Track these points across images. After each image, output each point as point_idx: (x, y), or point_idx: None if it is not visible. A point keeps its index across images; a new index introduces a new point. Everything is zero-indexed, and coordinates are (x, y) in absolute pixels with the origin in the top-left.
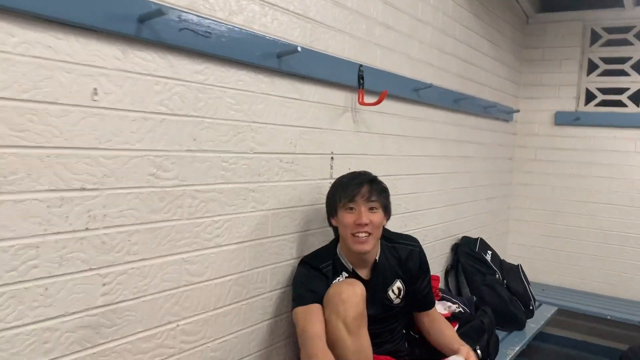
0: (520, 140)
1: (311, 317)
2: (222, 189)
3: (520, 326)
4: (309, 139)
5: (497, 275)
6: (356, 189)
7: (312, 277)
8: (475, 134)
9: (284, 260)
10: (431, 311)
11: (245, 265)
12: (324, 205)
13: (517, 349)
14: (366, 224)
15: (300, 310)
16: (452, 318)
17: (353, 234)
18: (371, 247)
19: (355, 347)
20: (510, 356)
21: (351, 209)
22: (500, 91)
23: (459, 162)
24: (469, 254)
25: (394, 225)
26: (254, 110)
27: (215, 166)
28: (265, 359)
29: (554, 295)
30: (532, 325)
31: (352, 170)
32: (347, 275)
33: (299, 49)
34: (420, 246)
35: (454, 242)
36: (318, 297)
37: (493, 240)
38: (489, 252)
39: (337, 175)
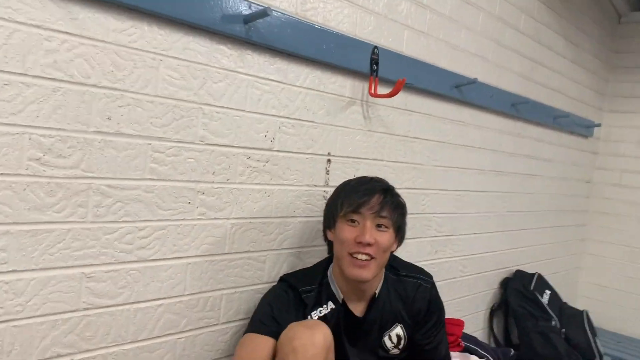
0: (601, 161)
1: (253, 353)
2: (151, 187)
3: None
4: (295, 133)
5: (554, 322)
6: (364, 197)
7: (284, 301)
8: (541, 148)
9: (247, 284)
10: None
11: (186, 288)
12: (314, 219)
13: None
14: (369, 244)
15: (247, 338)
16: None
17: (351, 254)
18: (371, 275)
19: None
20: None
21: (353, 221)
22: (578, 101)
23: (517, 180)
24: (520, 292)
25: (421, 250)
26: (209, 90)
27: (141, 156)
28: None
29: (631, 349)
30: None
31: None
32: (333, 307)
33: (274, 13)
34: (432, 282)
35: (504, 277)
36: (277, 330)
37: (557, 278)
38: (547, 292)
39: (334, 183)
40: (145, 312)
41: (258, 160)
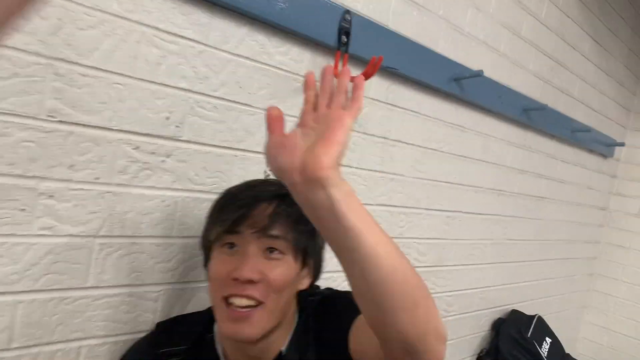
0: (621, 186)
1: None
2: None
3: None
4: (218, 119)
5: None
6: (243, 207)
7: None
8: (553, 166)
9: (126, 332)
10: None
11: (12, 338)
12: None
13: None
14: (251, 281)
15: None
16: None
17: (226, 299)
18: (258, 332)
19: None
20: None
21: (232, 245)
22: (601, 114)
23: (522, 202)
24: (514, 339)
25: None
26: (70, 39)
27: None
28: None
29: None
30: None
31: None
32: None
33: None
34: (330, 290)
35: (497, 317)
36: None
37: (560, 320)
38: (548, 340)
39: None
40: None
41: (152, 153)
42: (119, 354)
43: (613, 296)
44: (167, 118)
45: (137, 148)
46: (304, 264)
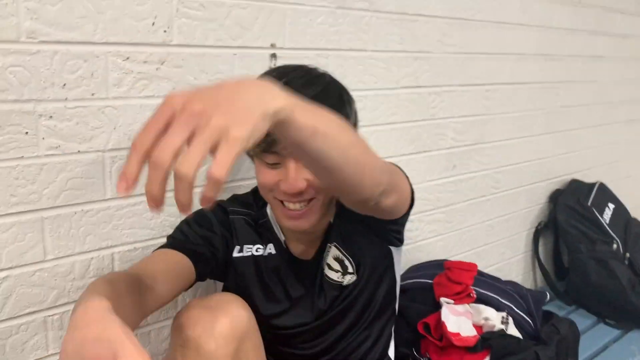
0: None
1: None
2: None
3: None
4: (208, 18)
5: (616, 245)
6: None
7: (206, 218)
8: (611, 19)
9: (154, 236)
10: None
11: (46, 251)
12: None
13: None
14: (300, 192)
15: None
16: (479, 346)
17: (282, 202)
18: (315, 221)
19: None
20: None
21: (275, 165)
22: None
23: (575, 65)
24: (572, 208)
25: (431, 167)
26: None
27: None
28: None
29: None
30: None
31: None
32: (273, 252)
33: None
34: None
35: (555, 189)
36: (192, 247)
37: (627, 185)
38: (610, 206)
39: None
40: None
41: (145, 62)
42: None
43: None
44: (153, 24)
45: (127, 59)
46: None
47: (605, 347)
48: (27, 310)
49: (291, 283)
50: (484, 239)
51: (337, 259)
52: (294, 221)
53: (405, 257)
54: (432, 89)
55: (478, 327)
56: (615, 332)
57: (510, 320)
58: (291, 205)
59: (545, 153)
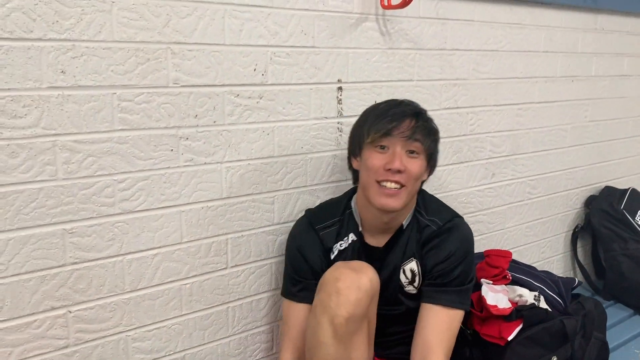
0: None
1: (287, 322)
2: (124, 138)
3: None
4: (292, 63)
5: None
6: (394, 121)
7: (309, 240)
8: (633, 42)
9: (255, 227)
10: (429, 306)
11: (182, 235)
12: (328, 153)
13: None
14: (400, 171)
15: (284, 302)
16: (514, 315)
17: (379, 182)
18: (401, 205)
19: (339, 357)
20: None
21: (383, 147)
22: None
23: (601, 84)
24: (605, 211)
25: (472, 175)
26: (176, 27)
27: (107, 107)
28: (230, 349)
29: None
30: None
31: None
32: (354, 238)
33: None
34: (453, 226)
35: (590, 195)
36: (304, 291)
37: None
38: None
39: (350, 113)
40: (141, 261)
41: (249, 97)
42: (254, 243)
43: None
44: (254, 69)
45: (237, 95)
46: (428, 161)
47: (638, 335)
48: (169, 279)
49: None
50: (523, 239)
51: (412, 272)
52: (387, 198)
53: None
54: (469, 109)
55: (513, 303)
56: None
57: (542, 298)
58: (388, 184)
59: (577, 163)
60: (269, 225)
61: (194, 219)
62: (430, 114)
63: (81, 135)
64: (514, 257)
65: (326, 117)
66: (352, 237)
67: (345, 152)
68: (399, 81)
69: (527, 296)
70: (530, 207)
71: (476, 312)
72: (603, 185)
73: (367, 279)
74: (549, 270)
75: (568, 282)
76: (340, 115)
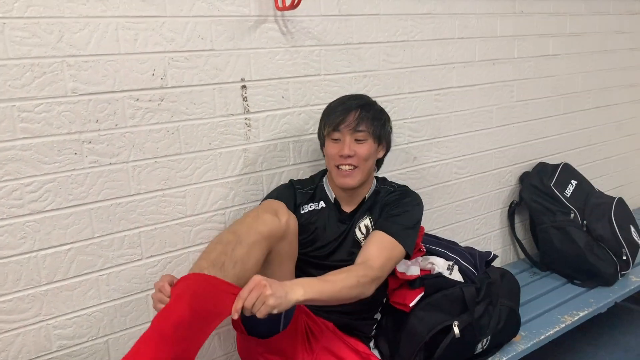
0: None
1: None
2: (27, 145)
3: (606, 281)
4: (191, 66)
5: (572, 215)
6: (340, 116)
7: (287, 191)
8: (561, 23)
9: (167, 220)
10: (376, 232)
11: (94, 231)
12: (239, 147)
13: (585, 314)
14: (350, 156)
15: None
16: (417, 283)
17: (337, 167)
18: (356, 182)
19: (236, 237)
20: (567, 323)
21: (336, 139)
22: None
23: (527, 65)
24: (535, 187)
25: (392, 160)
26: (70, 41)
27: (8, 119)
28: None
29: None
30: (634, 279)
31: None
32: (324, 205)
33: None
34: (407, 189)
35: (523, 172)
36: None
37: (608, 165)
38: (573, 182)
39: (257, 109)
40: (54, 256)
41: (150, 100)
42: (168, 235)
43: None
44: (153, 74)
45: (137, 100)
46: (378, 143)
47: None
48: (85, 271)
49: (331, 226)
50: (454, 217)
51: (365, 226)
52: (343, 178)
53: None
54: (383, 97)
55: (425, 271)
56: (581, 290)
57: (456, 268)
58: (343, 167)
59: (507, 142)
60: (182, 218)
61: (104, 215)
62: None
63: None
64: (446, 235)
65: (232, 114)
66: (322, 204)
67: (254, 145)
68: (306, 76)
69: (440, 266)
70: (459, 186)
71: (389, 287)
72: (537, 161)
73: (285, 219)
74: (488, 249)
75: (484, 255)
76: (247, 111)
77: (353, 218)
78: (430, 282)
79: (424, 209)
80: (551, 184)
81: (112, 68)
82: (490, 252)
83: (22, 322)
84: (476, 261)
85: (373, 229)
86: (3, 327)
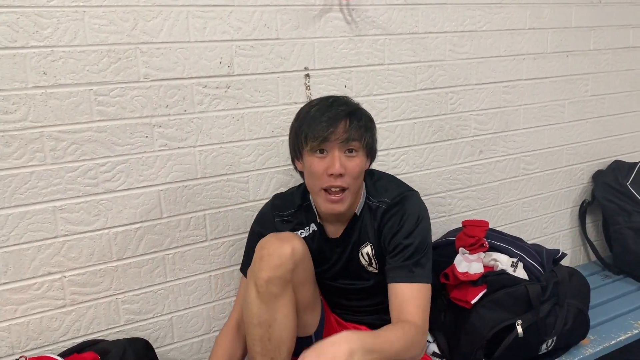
0: None
1: (239, 294)
2: (102, 127)
3: None
4: (256, 54)
5: None
6: (330, 126)
7: (260, 231)
8: (635, 12)
9: (231, 204)
10: (394, 286)
11: (162, 211)
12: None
13: None
14: (341, 175)
15: (241, 277)
16: (480, 281)
17: (325, 190)
18: (346, 207)
19: (263, 317)
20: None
21: (322, 151)
22: None
23: (604, 57)
24: (609, 185)
25: (456, 153)
26: (144, 29)
27: (85, 102)
28: (215, 312)
29: None
30: None
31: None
32: (315, 229)
33: None
34: (400, 200)
35: (597, 169)
36: None
37: None
38: None
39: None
40: (125, 234)
41: (217, 88)
42: (231, 218)
43: None
44: (220, 62)
45: (205, 86)
46: (368, 155)
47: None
48: (152, 250)
49: (327, 251)
50: (520, 214)
51: (367, 254)
52: (332, 205)
53: (441, 228)
54: (447, 89)
55: (488, 267)
56: None
57: (520, 265)
58: (333, 189)
59: (579, 138)
60: (245, 202)
61: (172, 197)
62: (406, 95)
63: (64, 126)
64: (512, 232)
65: (295, 103)
66: (312, 227)
67: None
68: (369, 65)
69: (504, 262)
70: (527, 182)
71: (448, 282)
72: (612, 159)
73: (290, 247)
74: (557, 247)
75: (552, 252)
76: (309, 100)
77: (348, 240)
78: (493, 279)
79: (487, 205)
80: (627, 183)
81: (182, 55)
82: (558, 250)
83: (94, 295)
84: (543, 258)
85: (389, 281)
86: (77, 298)
